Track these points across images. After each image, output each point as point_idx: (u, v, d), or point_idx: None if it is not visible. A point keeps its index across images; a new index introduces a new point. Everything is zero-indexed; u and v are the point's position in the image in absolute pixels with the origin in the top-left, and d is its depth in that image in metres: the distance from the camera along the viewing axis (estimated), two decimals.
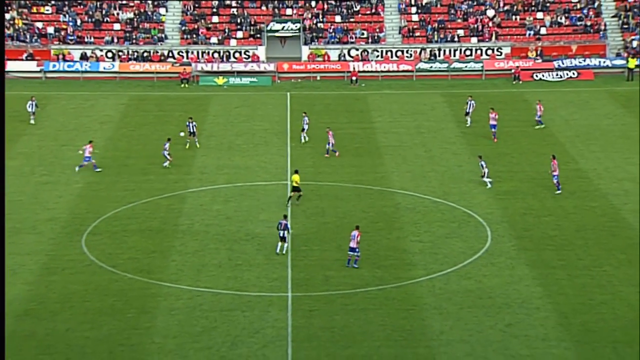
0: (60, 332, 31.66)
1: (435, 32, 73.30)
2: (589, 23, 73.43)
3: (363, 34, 73.67)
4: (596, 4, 74.88)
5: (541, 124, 55.74)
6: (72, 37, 73.21)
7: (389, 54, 72.51)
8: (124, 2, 75.98)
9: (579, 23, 73.67)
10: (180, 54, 72.43)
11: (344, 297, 34.04)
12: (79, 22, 74.28)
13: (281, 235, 37.59)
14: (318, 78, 70.71)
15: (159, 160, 50.31)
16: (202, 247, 38.72)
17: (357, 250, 36.28)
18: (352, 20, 75.00)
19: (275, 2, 75.97)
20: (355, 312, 32.92)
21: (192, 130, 52.48)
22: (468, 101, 57.12)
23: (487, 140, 51.71)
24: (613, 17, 74.44)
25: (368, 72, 70.49)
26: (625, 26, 73.57)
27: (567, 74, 69.23)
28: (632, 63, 68.68)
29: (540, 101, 57.17)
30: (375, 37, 73.43)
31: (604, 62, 70.66)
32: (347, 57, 72.43)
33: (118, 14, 75.24)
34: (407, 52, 72.52)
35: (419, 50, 72.33)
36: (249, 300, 34.00)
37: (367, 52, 72.42)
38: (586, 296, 33.93)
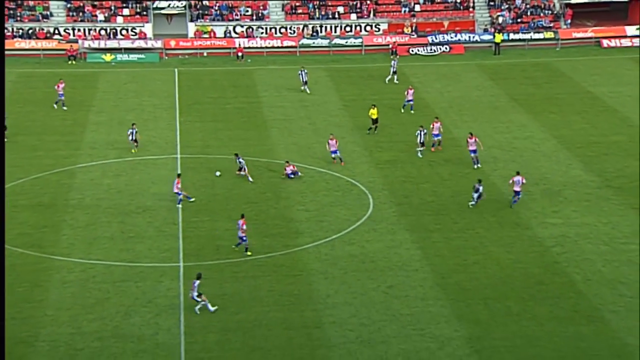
0: None
1: (317, 10, 73.34)
2: (459, 0, 74.82)
3: (247, 11, 73.01)
4: None
5: (411, 108, 53.20)
6: None
7: (273, 30, 72.16)
8: None
9: (450, 0, 74.99)
10: (67, 31, 70.15)
11: (234, 266, 33.97)
12: None
13: None
14: (205, 54, 69.79)
15: (48, 136, 48.88)
16: (93, 220, 37.86)
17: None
18: None
19: None
20: (245, 279, 32.92)
21: (133, 138, 46.34)
22: (300, 71, 58.28)
23: (365, 111, 51.97)
24: None
25: (253, 48, 70.02)
26: (492, 3, 75.31)
27: (440, 49, 70.49)
28: (499, 38, 70.43)
29: (412, 86, 55.75)
30: (260, 14, 72.92)
31: (474, 37, 72.20)
32: (233, 34, 71.68)
33: None
34: (290, 28, 72.31)
35: (301, 26, 72.25)
36: (141, 271, 33.52)
37: (252, 29, 71.90)
38: (461, 257, 34.86)
